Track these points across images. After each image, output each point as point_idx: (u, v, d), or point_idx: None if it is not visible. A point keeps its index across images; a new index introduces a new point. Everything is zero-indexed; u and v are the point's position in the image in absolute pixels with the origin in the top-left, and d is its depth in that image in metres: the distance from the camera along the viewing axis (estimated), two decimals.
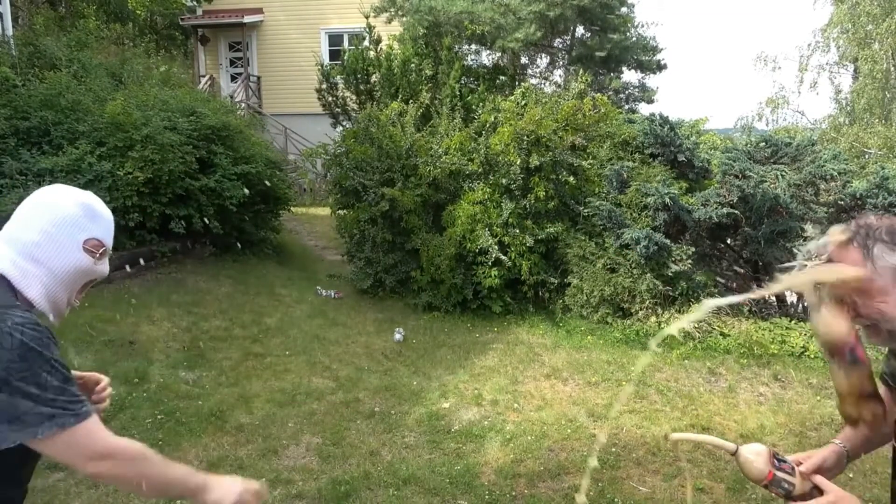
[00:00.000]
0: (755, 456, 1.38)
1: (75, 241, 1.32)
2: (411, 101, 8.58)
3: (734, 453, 1.40)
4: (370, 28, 11.36)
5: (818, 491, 1.34)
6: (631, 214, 6.50)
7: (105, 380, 1.58)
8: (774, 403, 4.70)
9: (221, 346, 5.46)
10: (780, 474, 1.36)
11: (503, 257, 6.63)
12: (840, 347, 1.23)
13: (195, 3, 16.85)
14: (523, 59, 13.28)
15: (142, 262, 6.63)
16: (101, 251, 1.37)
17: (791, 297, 6.85)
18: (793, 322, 5.84)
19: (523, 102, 7.84)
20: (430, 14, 10.70)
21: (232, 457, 3.72)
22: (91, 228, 1.35)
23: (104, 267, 1.41)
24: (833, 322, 1.22)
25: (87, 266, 1.35)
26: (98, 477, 1.28)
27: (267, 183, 7.97)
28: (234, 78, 16.72)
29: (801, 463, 1.40)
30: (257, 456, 3.75)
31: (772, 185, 6.16)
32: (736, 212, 6.10)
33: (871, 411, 1.26)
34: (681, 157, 6.97)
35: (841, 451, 1.44)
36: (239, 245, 8.00)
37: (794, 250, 6.23)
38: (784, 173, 6.29)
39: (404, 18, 11.45)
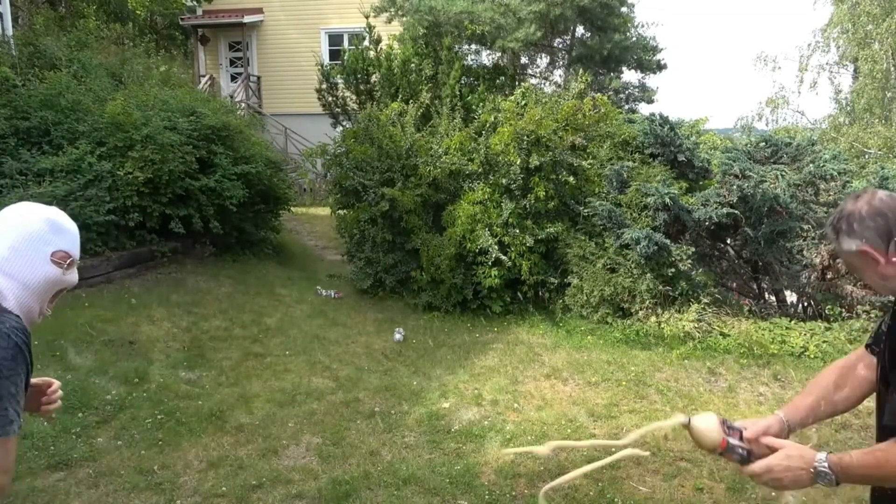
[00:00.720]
0: (708, 425, 1.44)
1: (43, 254, 1.40)
2: (411, 101, 8.57)
3: (686, 425, 1.45)
4: (370, 28, 11.36)
5: (771, 451, 1.41)
6: (631, 214, 6.49)
7: (56, 383, 1.61)
8: (774, 403, 4.70)
9: (221, 346, 5.46)
10: (732, 441, 1.43)
11: (503, 257, 6.63)
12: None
13: (195, 3, 16.85)
14: (523, 59, 13.28)
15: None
16: (68, 262, 1.44)
17: (791, 297, 6.85)
18: (793, 322, 5.84)
19: (523, 102, 7.84)
20: (430, 14, 10.69)
21: (232, 457, 3.72)
22: (56, 241, 1.42)
23: (73, 276, 1.48)
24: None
25: (56, 276, 1.43)
26: None
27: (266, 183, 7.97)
28: (234, 78, 16.72)
29: (746, 428, 1.48)
30: (257, 456, 3.75)
31: (772, 185, 6.16)
32: (736, 212, 6.10)
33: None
34: (681, 157, 6.97)
35: (783, 422, 1.53)
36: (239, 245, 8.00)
37: (794, 250, 6.23)
38: (784, 173, 6.29)
39: (404, 18, 11.45)
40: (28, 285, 1.37)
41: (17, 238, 1.37)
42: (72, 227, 1.48)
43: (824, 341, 5.47)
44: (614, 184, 6.82)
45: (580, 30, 12.66)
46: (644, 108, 13.19)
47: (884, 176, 6.03)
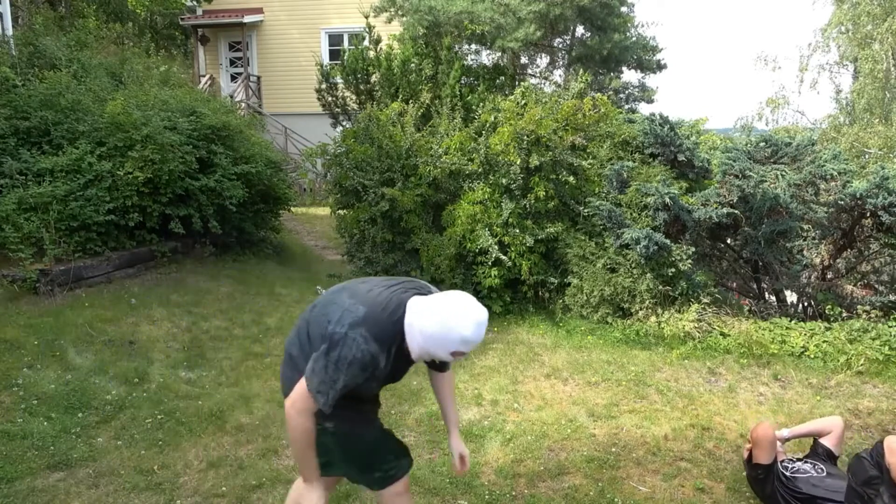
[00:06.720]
0: None
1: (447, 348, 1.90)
2: (411, 100, 8.57)
3: None
4: (370, 28, 11.37)
5: None
6: (631, 214, 6.49)
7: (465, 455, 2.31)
8: (774, 403, 4.70)
9: (221, 346, 5.46)
10: None
11: (503, 257, 6.62)
12: None
13: (195, 2, 16.86)
14: (523, 59, 13.28)
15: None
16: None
17: (791, 297, 6.85)
18: (793, 322, 5.83)
19: (523, 102, 7.83)
20: (430, 14, 10.69)
21: (232, 457, 3.72)
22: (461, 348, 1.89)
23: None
24: None
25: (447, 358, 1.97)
26: None
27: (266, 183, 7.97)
28: (234, 78, 16.73)
29: None
30: (257, 456, 3.75)
31: (772, 185, 6.16)
32: (736, 212, 6.09)
33: None
34: (681, 157, 6.96)
35: None
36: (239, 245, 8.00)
37: (794, 250, 6.23)
38: (784, 173, 6.28)
39: (404, 18, 11.45)
40: (426, 350, 1.90)
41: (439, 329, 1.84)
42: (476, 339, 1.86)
43: (824, 341, 5.47)
44: (614, 184, 6.82)
45: (580, 30, 12.67)
46: (644, 108, 13.22)
47: (884, 176, 6.03)
